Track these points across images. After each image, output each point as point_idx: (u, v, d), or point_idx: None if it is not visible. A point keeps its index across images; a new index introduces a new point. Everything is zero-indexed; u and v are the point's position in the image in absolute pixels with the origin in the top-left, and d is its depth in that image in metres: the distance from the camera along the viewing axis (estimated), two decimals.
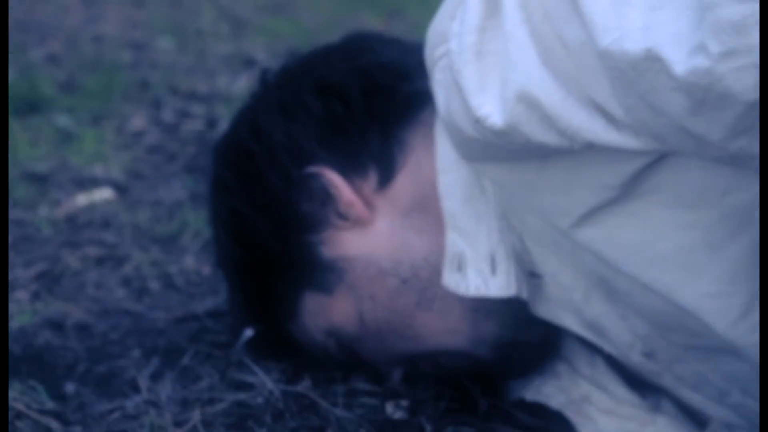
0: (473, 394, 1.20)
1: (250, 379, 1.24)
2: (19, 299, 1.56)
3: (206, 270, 1.71)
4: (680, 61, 0.75)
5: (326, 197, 1.15)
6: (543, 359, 1.19)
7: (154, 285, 1.64)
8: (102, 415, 1.19)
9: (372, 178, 1.14)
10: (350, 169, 1.14)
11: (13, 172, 2.14)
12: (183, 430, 1.15)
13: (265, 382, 1.20)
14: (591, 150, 0.87)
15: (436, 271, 1.10)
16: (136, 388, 1.27)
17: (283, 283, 1.20)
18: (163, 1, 4.68)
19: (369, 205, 1.14)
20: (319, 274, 1.16)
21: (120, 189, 2.11)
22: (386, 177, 1.13)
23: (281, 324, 1.23)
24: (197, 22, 4.03)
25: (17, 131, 2.42)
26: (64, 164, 2.21)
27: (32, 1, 4.54)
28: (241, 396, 1.21)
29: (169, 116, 2.62)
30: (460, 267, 1.07)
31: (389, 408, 1.18)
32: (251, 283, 1.23)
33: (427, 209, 1.10)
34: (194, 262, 1.74)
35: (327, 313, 1.18)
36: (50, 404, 1.22)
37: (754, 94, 0.73)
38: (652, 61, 0.76)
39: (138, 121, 2.53)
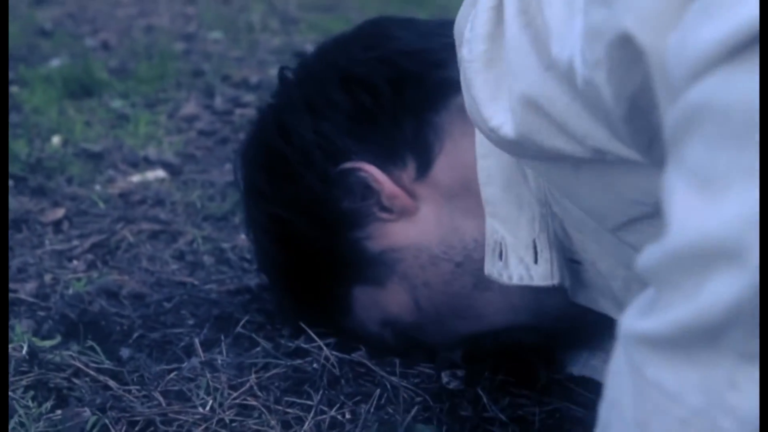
0: (533, 365, 1.19)
1: (305, 346, 1.24)
2: (74, 267, 1.57)
3: None
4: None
5: (366, 191, 1.13)
6: (605, 327, 1.18)
7: (208, 259, 1.65)
8: (159, 375, 1.20)
9: (410, 167, 1.12)
10: (387, 160, 1.12)
11: (68, 151, 2.16)
12: (239, 392, 1.15)
13: (322, 348, 1.20)
14: (610, 162, 0.82)
15: None
16: (190, 354, 1.28)
17: (332, 281, 1.18)
18: None
19: (411, 194, 1.12)
20: (369, 268, 1.15)
21: (173, 170, 2.12)
22: (425, 164, 1.11)
23: (335, 321, 1.22)
24: (247, 17, 4.05)
25: (72, 113, 2.45)
26: (119, 145, 2.22)
27: None
28: (297, 362, 1.20)
29: (221, 103, 2.63)
30: (502, 255, 1.05)
31: (445, 377, 1.17)
32: (299, 285, 1.22)
33: (470, 192, 1.08)
34: (247, 239, 1.74)
35: (381, 305, 1.16)
36: (107, 364, 1.22)
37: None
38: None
39: (190, 106, 2.54)
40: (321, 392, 1.14)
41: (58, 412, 1.10)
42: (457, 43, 0.93)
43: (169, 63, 2.99)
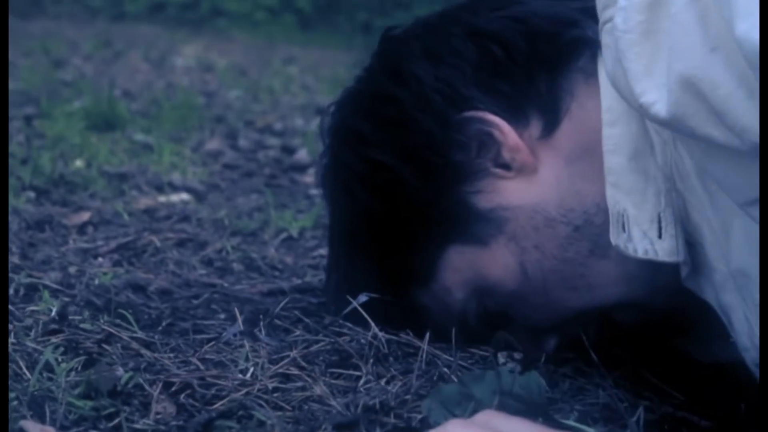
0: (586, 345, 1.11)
1: (349, 326, 1.17)
2: (100, 264, 1.51)
3: (289, 259, 1.65)
4: None
5: (484, 144, 1.07)
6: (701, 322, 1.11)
7: (237, 266, 1.58)
8: (197, 343, 1.12)
9: (534, 125, 1.06)
10: (511, 115, 1.06)
11: (91, 172, 2.11)
12: (282, 363, 1.07)
13: (371, 325, 1.13)
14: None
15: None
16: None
17: (427, 237, 1.09)
18: (233, 66, 4.74)
19: (533, 152, 1.06)
20: (474, 225, 1.07)
21: (198, 195, 2.07)
22: (551, 124, 1.05)
23: (410, 289, 1.13)
24: (268, 82, 4.05)
25: (95, 143, 2.40)
26: (143, 170, 2.17)
27: (104, 63, 4.61)
28: (343, 338, 1.13)
29: (245, 143, 2.59)
30: (624, 227, 0.99)
31: (501, 358, 1.10)
32: (386, 241, 1.12)
33: (593, 158, 1.02)
34: (277, 253, 1.68)
35: (480, 266, 1.08)
36: (140, 333, 1.15)
37: None
38: None
39: (215, 143, 2.51)
40: (369, 365, 1.07)
41: (90, 371, 1.03)
42: (599, 6, 0.89)
43: (192, 110, 2.97)
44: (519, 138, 1.06)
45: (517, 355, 1.11)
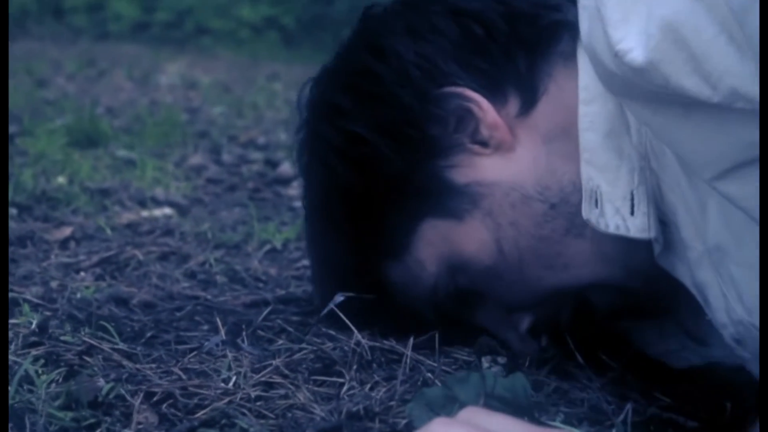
0: (572, 348, 1.11)
1: (333, 333, 1.16)
2: (82, 278, 1.50)
3: (273, 271, 1.64)
4: None
5: (463, 120, 1.07)
6: (674, 302, 1.11)
7: (221, 279, 1.57)
8: (179, 354, 1.11)
9: (512, 104, 1.07)
10: (489, 92, 1.07)
11: (73, 188, 2.09)
12: (265, 372, 1.07)
13: (354, 332, 1.12)
14: (729, 108, 0.80)
15: None
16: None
17: (401, 211, 1.10)
18: (216, 84, 4.73)
19: (511, 130, 1.07)
20: (449, 199, 1.07)
21: (181, 210, 2.06)
22: (528, 103, 1.07)
23: (384, 263, 1.14)
24: (252, 98, 4.05)
25: (77, 159, 2.39)
26: (125, 185, 2.16)
27: (87, 82, 4.60)
28: (326, 345, 1.12)
29: (229, 158, 2.58)
30: (597, 203, 1.00)
31: (485, 363, 1.09)
32: (361, 213, 1.13)
33: (570, 137, 1.03)
34: (261, 264, 1.67)
35: (455, 241, 1.08)
36: (122, 345, 1.14)
37: None
38: None
39: (198, 158, 2.50)
40: (352, 372, 1.06)
41: (70, 382, 1.02)
42: None
43: (175, 126, 2.96)
44: (497, 115, 1.06)
45: (500, 360, 1.10)
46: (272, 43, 8.24)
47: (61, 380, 1.03)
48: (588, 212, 1.01)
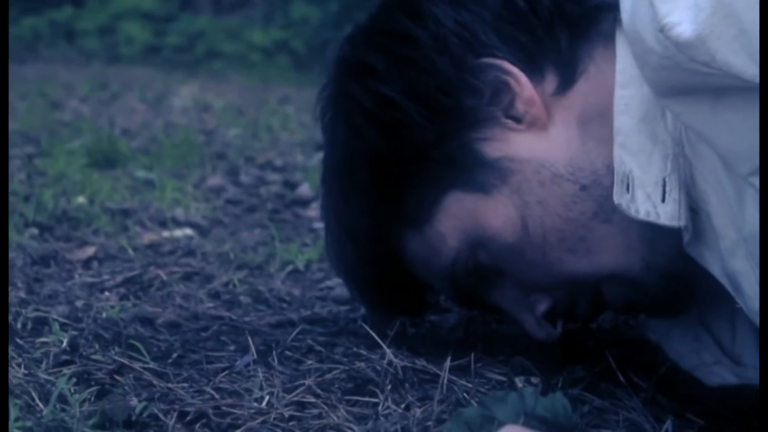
0: (612, 368, 1.10)
1: (364, 353, 1.15)
2: (106, 298, 1.49)
3: (297, 291, 1.64)
4: None
5: (499, 92, 1.06)
6: (691, 303, 1.10)
7: (245, 299, 1.56)
8: (210, 373, 1.11)
9: (550, 82, 1.06)
10: (527, 67, 1.06)
11: (94, 208, 2.09)
12: (297, 391, 1.06)
13: (387, 352, 1.11)
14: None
15: None
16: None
17: (427, 179, 1.08)
18: (229, 106, 4.74)
19: (546, 108, 1.06)
20: (478, 172, 1.06)
21: (201, 231, 2.05)
22: (566, 82, 1.05)
23: (403, 231, 1.12)
24: (266, 120, 4.05)
25: (97, 180, 2.39)
26: (145, 206, 2.16)
27: (101, 104, 4.61)
28: (357, 365, 1.12)
29: (247, 179, 2.58)
30: (629, 188, 0.98)
31: (519, 383, 1.09)
32: (385, 178, 1.10)
33: (606, 120, 1.02)
34: (284, 285, 1.67)
35: (480, 215, 1.06)
36: (153, 364, 1.13)
37: None
38: None
39: (216, 179, 2.50)
40: (386, 392, 1.05)
41: (103, 401, 1.01)
42: None
43: (192, 148, 2.96)
44: (534, 91, 1.05)
45: (534, 380, 1.10)
46: (283, 66, 8.26)
47: (93, 399, 1.02)
48: (619, 197, 0.99)
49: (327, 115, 1.16)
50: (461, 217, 1.08)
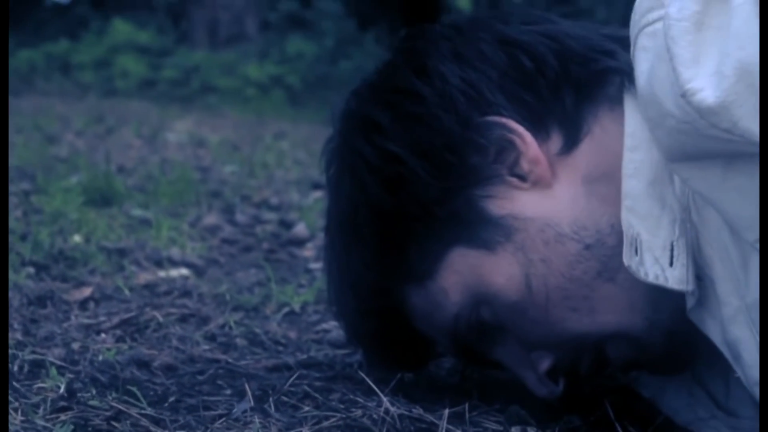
0: (608, 417, 1.10)
1: (360, 400, 1.16)
2: (103, 340, 1.49)
3: (293, 334, 1.64)
4: None
5: (504, 151, 1.07)
6: (692, 361, 1.11)
7: (241, 342, 1.57)
8: (207, 420, 1.11)
9: (555, 141, 1.07)
10: (533, 127, 1.07)
11: (90, 247, 2.09)
12: None
13: (381, 399, 1.12)
14: None
15: (622, 242, 1.02)
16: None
17: (431, 235, 1.09)
18: (225, 142, 4.75)
19: (551, 167, 1.07)
20: (482, 230, 1.07)
21: (197, 270, 2.06)
22: (571, 142, 1.07)
23: (406, 285, 1.12)
24: (261, 157, 4.06)
25: (93, 218, 2.39)
26: (141, 245, 2.16)
27: (97, 138, 4.62)
28: (354, 413, 1.12)
29: (243, 218, 2.59)
30: (637, 251, 0.99)
31: None
32: (389, 233, 1.11)
33: (611, 181, 1.03)
34: (280, 327, 1.67)
35: (484, 272, 1.07)
36: (149, 410, 1.13)
37: None
38: None
39: (212, 218, 2.50)
40: None
41: None
42: (647, 7, 0.91)
43: (188, 186, 2.96)
44: (540, 150, 1.06)
45: (531, 430, 1.10)
46: (278, 101, 8.29)
47: None
48: (629, 259, 1.00)
49: (332, 167, 1.17)
50: (464, 273, 1.09)
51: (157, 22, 10.23)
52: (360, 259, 1.14)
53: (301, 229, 2.42)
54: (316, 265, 2.12)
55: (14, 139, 4.09)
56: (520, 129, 1.07)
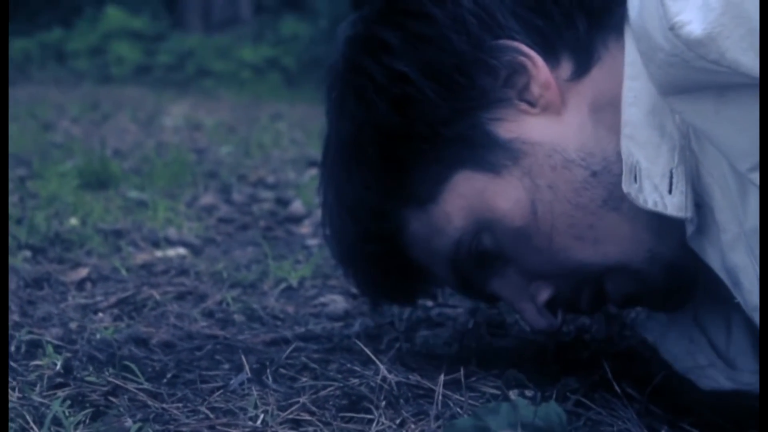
0: (606, 379, 1.10)
1: (358, 369, 1.16)
2: (100, 319, 1.49)
3: (291, 309, 1.64)
4: None
5: (515, 74, 1.06)
6: (690, 297, 1.11)
7: (239, 317, 1.57)
8: (204, 392, 1.11)
9: (565, 68, 1.06)
10: (545, 52, 1.06)
11: (86, 229, 2.09)
12: (292, 409, 1.06)
13: (379, 368, 1.11)
14: None
15: None
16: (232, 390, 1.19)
17: (436, 157, 1.07)
18: (221, 124, 4.74)
19: (560, 93, 1.06)
20: (489, 153, 1.05)
21: (194, 250, 2.05)
22: (582, 69, 1.06)
23: (407, 209, 1.11)
24: (257, 138, 4.05)
25: (89, 201, 2.39)
26: (138, 226, 2.16)
27: (92, 125, 4.61)
28: (351, 381, 1.12)
29: (239, 197, 2.58)
30: (636, 178, 0.99)
31: (513, 396, 1.09)
32: (393, 154, 1.09)
33: (618, 109, 1.02)
34: (278, 302, 1.67)
35: (489, 196, 1.06)
36: (147, 385, 1.13)
37: None
38: None
39: (209, 198, 2.50)
40: (381, 408, 1.05)
41: (98, 423, 1.01)
42: None
43: (184, 167, 2.96)
44: (550, 75, 1.05)
45: (528, 392, 1.10)
46: (274, 83, 8.28)
47: (88, 421, 1.02)
48: (628, 186, 0.99)
49: (334, 91, 1.15)
50: (469, 197, 1.07)
51: (150, 7, 10.20)
52: (361, 181, 1.12)
53: (297, 206, 2.42)
54: (314, 242, 2.12)
55: (10, 127, 4.08)
56: (532, 53, 1.06)
